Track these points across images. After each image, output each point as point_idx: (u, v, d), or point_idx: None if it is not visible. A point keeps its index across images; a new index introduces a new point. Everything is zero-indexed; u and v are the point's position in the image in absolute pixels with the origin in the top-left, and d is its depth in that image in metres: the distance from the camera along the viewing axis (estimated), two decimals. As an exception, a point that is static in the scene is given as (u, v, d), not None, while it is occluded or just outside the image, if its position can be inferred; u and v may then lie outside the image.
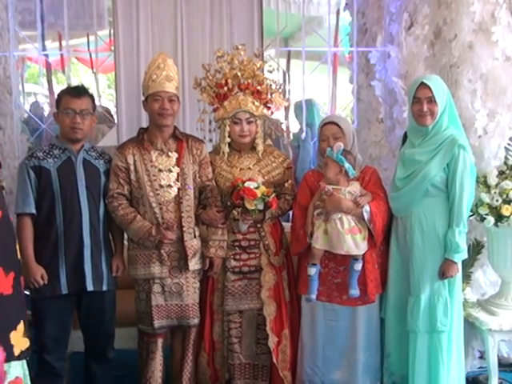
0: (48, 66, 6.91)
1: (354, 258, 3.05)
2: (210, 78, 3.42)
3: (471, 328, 3.43)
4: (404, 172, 3.06)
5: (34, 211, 3.00)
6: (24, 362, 1.97)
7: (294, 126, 7.02)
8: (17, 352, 1.85)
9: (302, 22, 5.05)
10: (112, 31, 5.24)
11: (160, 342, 3.24)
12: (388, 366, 3.24)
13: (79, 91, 3.10)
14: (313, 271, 3.08)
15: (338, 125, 3.22)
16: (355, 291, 3.05)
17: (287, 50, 7.46)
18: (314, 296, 3.10)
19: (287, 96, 6.31)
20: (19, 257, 2.05)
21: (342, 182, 3.08)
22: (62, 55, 7.06)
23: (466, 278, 3.50)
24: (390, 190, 3.17)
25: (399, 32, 4.17)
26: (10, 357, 1.83)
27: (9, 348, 1.82)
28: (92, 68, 7.83)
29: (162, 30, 4.17)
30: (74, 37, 6.97)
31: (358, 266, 3.05)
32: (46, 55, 6.13)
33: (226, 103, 3.33)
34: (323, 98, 6.09)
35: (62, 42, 6.73)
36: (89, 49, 7.29)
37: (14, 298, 1.83)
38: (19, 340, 1.86)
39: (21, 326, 1.87)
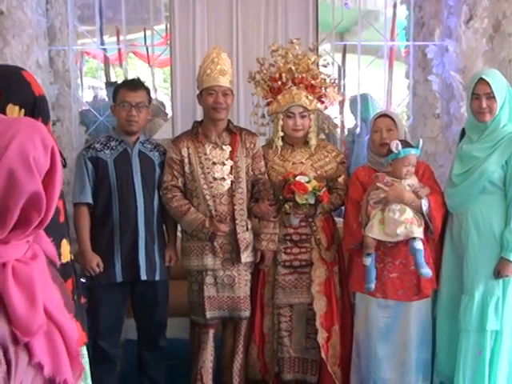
0: (106, 60, 7.04)
1: (413, 238, 2.97)
2: (264, 71, 3.42)
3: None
4: (461, 168, 3.01)
5: (90, 201, 3.08)
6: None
7: (349, 121, 6.97)
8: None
9: (358, 16, 5.00)
10: (168, 26, 5.31)
11: (211, 332, 3.27)
12: (437, 364, 3.20)
13: (135, 84, 3.16)
14: (368, 261, 3.03)
15: (391, 118, 3.20)
16: (426, 270, 2.94)
17: (343, 45, 7.38)
18: (372, 285, 3.05)
19: (342, 91, 6.26)
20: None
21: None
22: (119, 50, 7.19)
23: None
24: (446, 186, 3.12)
25: (458, 25, 4.08)
26: None
27: None
28: (148, 62, 7.94)
29: (218, 24, 4.20)
30: (131, 31, 7.10)
31: (419, 245, 2.96)
32: (104, 49, 6.26)
33: (279, 97, 3.33)
34: (379, 93, 6.01)
35: (120, 37, 6.84)
36: (145, 43, 7.40)
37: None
38: None
39: None
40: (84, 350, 2.03)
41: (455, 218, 3.06)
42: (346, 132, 6.52)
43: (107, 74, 7.24)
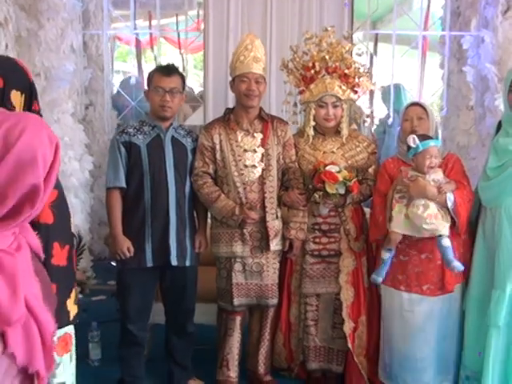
0: (138, 44, 7.06)
1: (439, 236, 2.95)
2: (298, 59, 3.39)
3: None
4: (496, 161, 2.95)
5: (124, 185, 3.09)
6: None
7: (379, 112, 6.90)
8: (71, 317, 2.00)
9: (391, 5, 4.94)
10: (200, 12, 5.34)
11: (238, 319, 3.29)
12: (463, 359, 3.17)
13: (170, 70, 3.15)
14: (387, 255, 3.02)
15: (423, 107, 3.17)
16: (457, 264, 2.91)
17: (374, 34, 7.30)
18: (380, 279, 3.04)
19: (373, 80, 6.19)
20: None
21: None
22: (150, 34, 7.21)
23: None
24: (480, 180, 3.08)
25: (494, 16, 4.02)
26: (67, 322, 1.97)
27: (66, 314, 1.96)
28: (179, 48, 7.96)
29: (252, 10, 4.19)
30: (163, 16, 7.10)
31: (446, 242, 2.93)
32: (137, 34, 6.28)
33: (312, 86, 3.31)
34: (410, 83, 5.94)
35: (152, 22, 6.87)
36: (177, 29, 7.40)
37: (68, 268, 1.95)
38: (72, 306, 2.00)
39: (73, 294, 2.01)
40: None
41: (488, 212, 3.01)
42: (378, 122, 6.47)
43: (139, 59, 7.25)
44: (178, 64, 6.12)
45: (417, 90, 5.33)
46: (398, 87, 5.30)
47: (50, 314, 1.19)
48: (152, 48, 7.36)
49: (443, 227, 2.94)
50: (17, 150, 1.01)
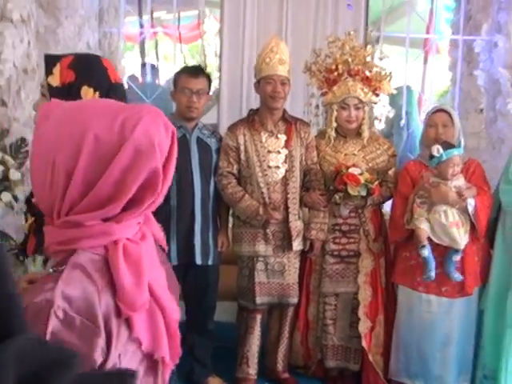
0: (143, 41, 7.05)
1: (455, 250, 3.03)
2: (320, 62, 3.42)
3: None
4: (517, 165, 3.01)
5: None
6: None
7: (379, 111, 6.91)
8: None
9: (393, 7, 4.97)
10: (201, 10, 5.39)
11: (259, 317, 3.33)
12: (482, 358, 3.22)
13: (197, 71, 3.18)
14: (425, 252, 3.02)
15: (448, 113, 3.20)
16: (457, 276, 3.01)
17: (375, 35, 7.34)
18: (433, 273, 3.03)
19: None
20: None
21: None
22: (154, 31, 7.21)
23: None
24: (501, 183, 3.12)
25: (508, 21, 4.08)
26: None
27: None
28: (180, 42, 7.95)
29: (268, 10, 4.20)
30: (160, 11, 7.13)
31: (457, 258, 3.02)
32: (142, 31, 6.27)
33: (334, 88, 3.34)
34: (415, 86, 5.98)
35: (166, 16, 6.89)
36: (179, 24, 7.39)
37: None
38: None
39: None
40: None
41: (508, 215, 3.06)
42: (384, 124, 6.49)
43: (143, 54, 7.24)
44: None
45: (421, 92, 5.37)
46: (407, 89, 5.34)
47: (176, 303, 1.22)
48: (155, 39, 7.39)
49: (464, 243, 3.00)
50: (134, 137, 1.04)
